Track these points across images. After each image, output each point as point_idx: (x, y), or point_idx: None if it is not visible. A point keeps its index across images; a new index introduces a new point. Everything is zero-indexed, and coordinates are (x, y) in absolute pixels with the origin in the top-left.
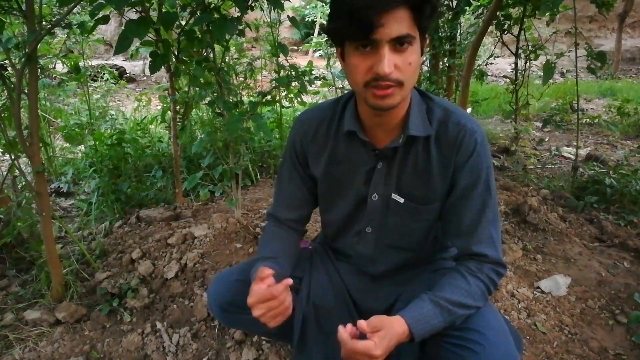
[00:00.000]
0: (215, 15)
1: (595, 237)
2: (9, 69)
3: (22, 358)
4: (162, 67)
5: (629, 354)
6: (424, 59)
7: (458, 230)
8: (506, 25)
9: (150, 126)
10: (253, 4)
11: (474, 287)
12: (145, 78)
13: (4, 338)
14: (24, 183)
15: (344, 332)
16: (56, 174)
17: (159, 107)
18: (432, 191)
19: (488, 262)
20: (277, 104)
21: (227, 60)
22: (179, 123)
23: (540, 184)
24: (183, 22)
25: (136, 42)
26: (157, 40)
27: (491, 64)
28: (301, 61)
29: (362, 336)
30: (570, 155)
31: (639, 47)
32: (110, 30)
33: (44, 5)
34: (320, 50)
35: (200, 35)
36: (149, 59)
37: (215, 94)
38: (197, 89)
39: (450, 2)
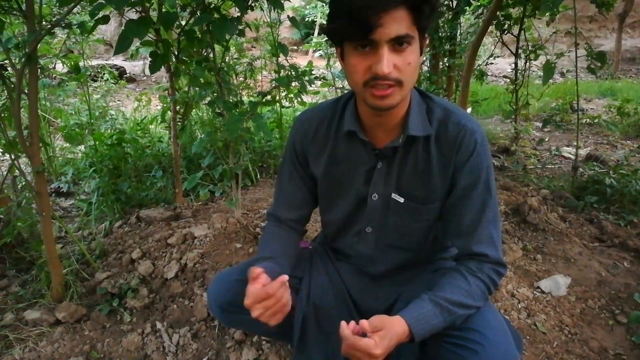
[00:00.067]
0: (215, 15)
1: (595, 237)
2: (9, 69)
3: (22, 358)
4: (162, 67)
5: (629, 354)
6: (424, 58)
7: (458, 230)
8: (506, 25)
9: (150, 126)
10: (253, 4)
11: (474, 287)
12: (145, 78)
13: (4, 338)
14: (24, 183)
15: (346, 328)
16: (56, 174)
17: (159, 107)
18: (432, 191)
19: (488, 262)
20: (277, 104)
21: (227, 60)
22: (179, 123)
23: (540, 184)
24: (183, 22)
25: (136, 42)
26: (157, 40)
27: (491, 64)
28: (301, 61)
29: (363, 335)
30: (570, 155)
31: (639, 47)
32: (110, 30)
33: (44, 5)
34: (320, 50)
35: (200, 35)
36: (149, 59)
37: (215, 94)
38: (197, 89)
39: (450, 2)
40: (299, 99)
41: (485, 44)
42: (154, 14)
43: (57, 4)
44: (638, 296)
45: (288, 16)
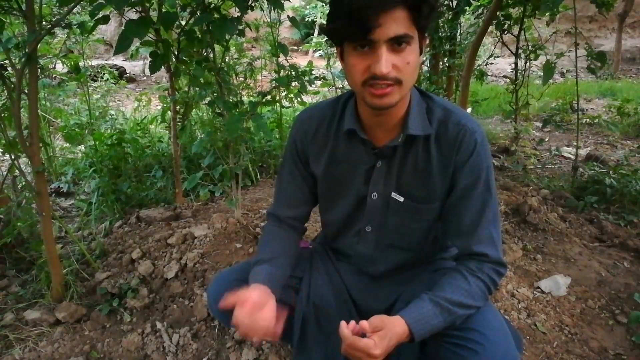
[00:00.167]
0: (215, 15)
1: (595, 237)
2: (9, 69)
3: (22, 358)
4: (162, 67)
5: (629, 354)
6: (424, 58)
7: (458, 230)
8: (506, 25)
9: (150, 126)
10: (253, 4)
11: (474, 287)
12: (145, 78)
13: (4, 338)
14: (24, 183)
15: (346, 327)
16: (56, 174)
17: (159, 107)
18: (432, 191)
19: (488, 262)
20: (277, 104)
21: (227, 60)
22: (179, 123)
23: (540, 184)
24: (183, 22)
25: (136, 42)
26: (157, 40)
27: (491, 64)
28: (301, 61)
29: (362, 335)
30: (570, 155)
31: (639, 47)
32: (110, 30)
33: (44, 5)
34: (320, 50)
35: (200, 35)
36: (149, 59)
37: (215, 94)
38: (197, 89)
39: (450, 2)
40: (299, 99)
41: (485, 44)
42: (154, 14)
43: (57, 4)
44: (638, 296)
45: (288, 16)
